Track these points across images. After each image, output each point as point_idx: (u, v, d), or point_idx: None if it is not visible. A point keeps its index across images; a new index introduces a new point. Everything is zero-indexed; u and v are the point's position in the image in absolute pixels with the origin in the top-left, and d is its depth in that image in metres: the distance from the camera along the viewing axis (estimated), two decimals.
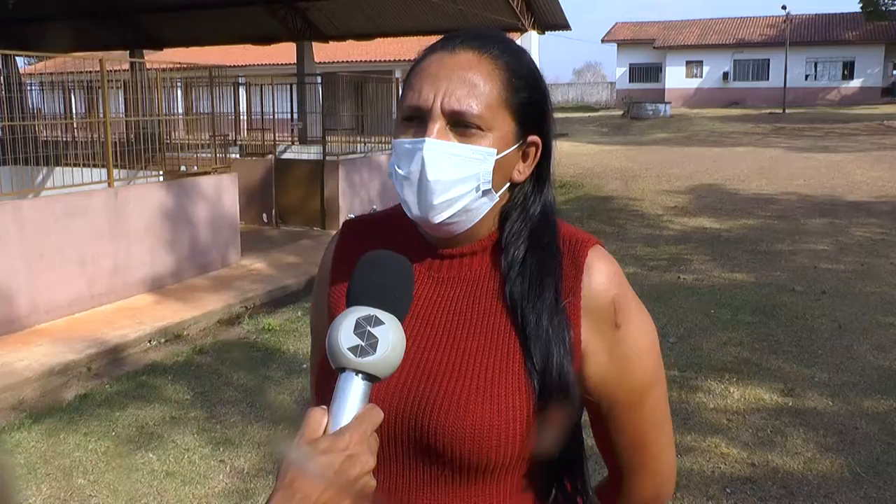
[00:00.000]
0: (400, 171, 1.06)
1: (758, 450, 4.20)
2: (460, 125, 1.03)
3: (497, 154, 1.05)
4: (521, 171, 1.11)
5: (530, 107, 1.09)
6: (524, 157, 1.11)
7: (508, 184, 1.11)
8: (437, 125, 1.03)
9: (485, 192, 1.06)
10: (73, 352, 5.89)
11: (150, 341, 6.40)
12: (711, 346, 5.85)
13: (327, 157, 11.27)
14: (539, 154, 1.12)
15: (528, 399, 1.03)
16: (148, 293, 7.61)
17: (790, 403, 4.80)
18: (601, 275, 1.08)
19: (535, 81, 1.10)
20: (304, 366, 5.69)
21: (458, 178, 1.03)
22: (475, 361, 1.05)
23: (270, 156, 12.01)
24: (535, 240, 1.10)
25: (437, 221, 1.06)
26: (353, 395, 0.86)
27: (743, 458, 4.10)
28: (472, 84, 1.03)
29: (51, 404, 5.17)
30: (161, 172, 8.68)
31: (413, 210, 1.06)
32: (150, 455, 4.35)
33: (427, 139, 1.02)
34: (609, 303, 1.08)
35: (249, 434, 4.58)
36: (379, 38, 16.55)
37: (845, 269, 8.25)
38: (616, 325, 1.08)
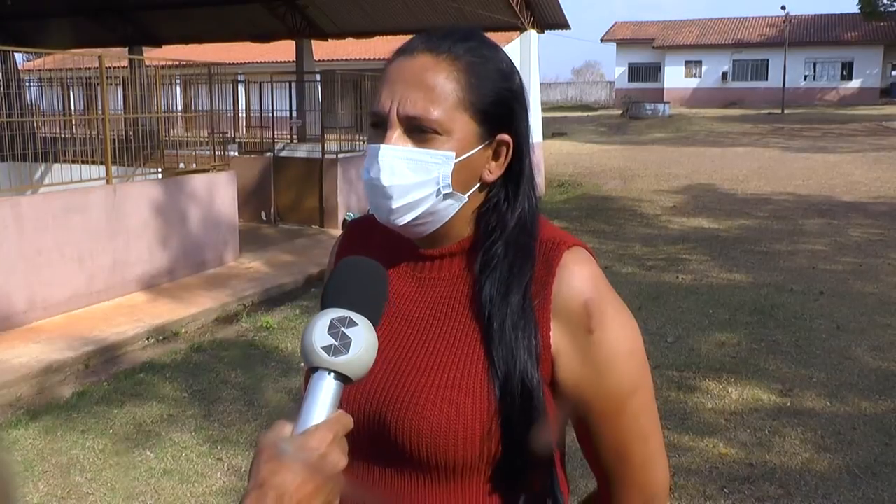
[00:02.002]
0: (364, 178, 1.08)
1: (756, 450, 4.20)
2: (417, 130, 1.03)
3: (456, 157, 1.04)
4: (493, 171, 1.09)
5: (495, 106, 1.07)
6: (495, 157, 1.09)
7: (479, 184, 1.09)
8: (396, 132, 1.04)
9: (447, 195, 1.06)
10: (71, 349, 5.89)
11: (147, 339, 6.39)
12: (709, 347, 5.85)
13: (326, 155, 11.27)
14: (510, 153, 1.10)
15: (488, 401, 1.02)
16: (146, 291, 7.60)
17: (788, 404, 4.81)
18: (573, 277, 1.06)
19: (502, 80, 1.08)
20: (302, 364, 5.66)
21: (415, 182, 1.04)
22: (440, 361, 1.05)
23: (269, 153, 12.00)
24: (510, 241, 1.09)
25: (400, 224, 1.07)
26: (324, 393, 0.87)
27: (741, 459, 4.10)
28: (427, 88, 1.03)
29: (48, 402, 5.17)
30: (160, 170, 8.67)
31: (377, 214, 1.09)
32: (148, 453, 4.35)
33: (382, 145, 1.04)
34: (581, 306, 1.04)
35: (247, 432, 4.57)
36: (378, 37, 16.51)
37: (843, 270, 8.26)
38: (589, 329, 1.04)
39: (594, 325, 1.04)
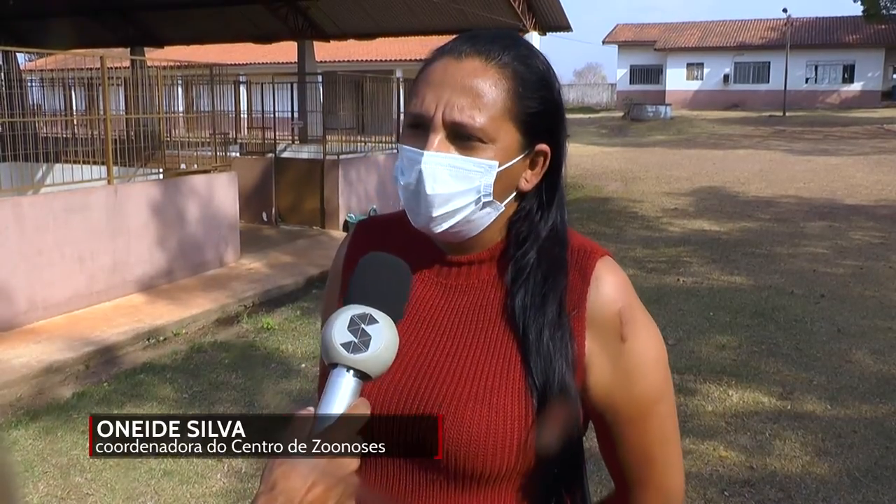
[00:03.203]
0: (401, 181, 1.06)
1: (756, 453, 4.20)
2: (461, 137, 1.02)
3: (499, 166, 1.03)
4: (529, 180, 1.09)
5: (538, 116, 1.06)
6: (532, 166, 1.09)
7: (515, 193, 1.09)
8: (438, 137, 1.02)
9: (486, 204, 1.05)
10: (71, 350, 5.89)
11: (147, 340, 6.39)
12: (710, 349, 5.84)
13: (327, 156, 11.27)
14: (548, 163, 1.09)
15: (526, 409, 1.02)
16: (146, 291, 7.60)
17: (788, 407, 4.80)
18: (608, 286, 1.07)
19: (546, 89, 1.07)
20: (303, 365, 5.69)
21: (457, 190, 1.02)
22: (476, 369, 1.04)
23: (270, 154, 12.00)
24: (543, 251, 1.08)
25: (437, 231, 1.06)
26: (342, 390, 0.87)
27: (741, 462, 4.10)
28: (475, 94, 1.01)
29: (48, 402, 5.17)
30: (161, 170, 8.67)
31: (413, 220, 1.07)
32: None
33: (426, 152, 1.01)
34: (615, 315, 1.06)
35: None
36: (380, 38, 16.52)
37: (844, 273, 8.25)
38: (622, 337, 1.06)
39: (627, 333, 1.06)
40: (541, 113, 1.06)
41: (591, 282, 1.06)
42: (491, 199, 1.05)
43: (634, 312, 1.08)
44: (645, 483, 1.12)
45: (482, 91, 1.02)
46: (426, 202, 1.03)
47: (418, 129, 1.04)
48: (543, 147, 1.08)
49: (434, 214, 1.03)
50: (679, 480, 1.14)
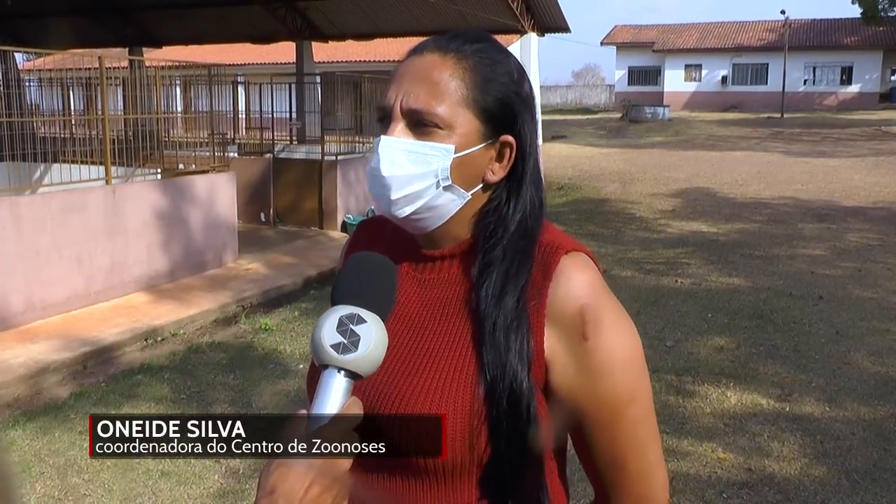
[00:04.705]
0: (368, 168, 1.10)
1: (754, 455, 4.20)
2: (419, 124, 1.05)
3: (456, 152, 1.05)
4: (495, 172, 1.10)
5: (500, 107, 1.08)
6: (499, 158, 1.10)
7: (482, 184, 1.10)
8: (398, 125, 1.06)
9: (446, 188, 1.06)
10: (69, 350, 5.88)
11: (145, 340, 6.38)
12: (708, 351, 5.85)
13: (325, 157, 11.27)
14: (513, 155, 1.10)
15: (476, 402, 1.01)
16: (144, 292, 7.59)
17: (787, 409, 4.80)
18: (570, 282, 1.04)
19: (510, 82, 1.09)
20: (301, 366, 5.68)
21: (414, 173, 1.05)
22: (433, 363, 1.04)
23: (269, 155, 12.00)
24: (510, 245, 1.08)
25: (400, 216, 1.08)
26: (334, 391, 0.88)
27: (739, 464, 4.10)
28: (431, 83, 1.05)
29: (45, 402, 5.16)
30: (159, 170, 8.66)
31: (377, 205, 1.10)
32: None
33: (383, 137, 1.06)
34: (576, 312, 1.03)
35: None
36: (378, 39, 16.52)
37: (842, 275, 8.26)
38: (584, 336, 1.03)
39: (589, 332, 1.03)
40: (501, 102, 1.08)
41: (552, 277, 1.05)
42: (449, 182, 1.06)
43: (600, 311, 1.04)
44: (620, 491, 1.08)
45: (438, 80, 1.05)
46: (384, 184, 1.06)
47: (384, 122, 1.09)
48: (508, 138, 1.09)
49: (393, 197, 1.06)
50: (658, 491, 1.09)
